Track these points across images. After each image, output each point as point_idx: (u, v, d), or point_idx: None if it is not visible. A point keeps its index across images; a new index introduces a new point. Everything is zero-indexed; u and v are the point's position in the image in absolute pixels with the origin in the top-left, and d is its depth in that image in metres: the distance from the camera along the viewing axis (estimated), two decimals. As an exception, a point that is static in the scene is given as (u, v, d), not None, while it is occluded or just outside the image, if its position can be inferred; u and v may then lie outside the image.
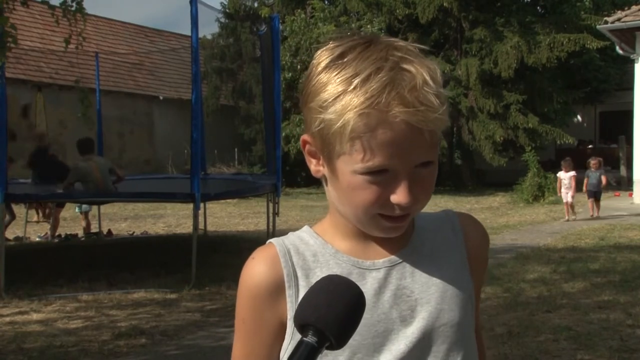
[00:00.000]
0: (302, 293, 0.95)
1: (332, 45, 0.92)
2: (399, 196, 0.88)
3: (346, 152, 0.88)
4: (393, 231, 0.94)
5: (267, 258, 0.98)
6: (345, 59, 0.88)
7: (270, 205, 8.82)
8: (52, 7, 6.92)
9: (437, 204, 15.93)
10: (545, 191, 16.29)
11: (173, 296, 6.20)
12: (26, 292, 6.32)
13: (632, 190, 16.24)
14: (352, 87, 0.86)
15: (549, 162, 20.22)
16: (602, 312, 5.20)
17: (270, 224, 8.75)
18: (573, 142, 20.81)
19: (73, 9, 6.93)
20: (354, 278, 0.94)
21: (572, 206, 12.32)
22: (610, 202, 15.85)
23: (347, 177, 0.90)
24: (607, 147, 23.34)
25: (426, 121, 0.85)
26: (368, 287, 0.95)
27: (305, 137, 0.95)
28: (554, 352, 4.25)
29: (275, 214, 8.61)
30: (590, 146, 24.71)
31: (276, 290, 0.96)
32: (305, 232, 1.02)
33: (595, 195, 12.57)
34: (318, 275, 0.96)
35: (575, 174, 12.42)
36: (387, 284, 0.96)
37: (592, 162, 12.72)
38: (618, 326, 4.80)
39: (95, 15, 22.39)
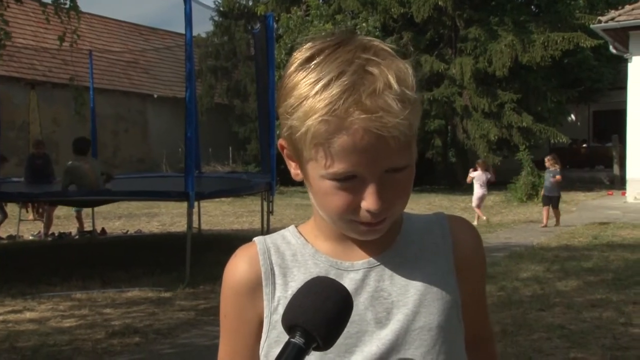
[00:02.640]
0: (278, 291, 0.96)
1: (305, 47, 0.90)
2: (368, 202, 0.86)
3: (312, 157, 0.87)
4: (370, 234, 0.92)
5: (247, 256, 0.99)
6: (312, 63, 0.86)
7: (265, 203, 8.81)
8: (44, 5, 6.88)
9: (432, 202, 15.96)
10: (539, 190, 16.31)
11: (167, 295, 6.19)
12: (19, 291, 6.30)
13: (625, 189, 16.32)
14: (313, 92, 0.84)
15: (542, 161, 20.22)
16: (595, 311, 5.22)
17: (265, 222, 8.75)
18: (567, 141, 20.87)
19: (67, 6, 6.91)
20: None
21: (479, 212, 11.58)
22: (604, 201, 15.92)
23: (317, 182, 0.89)
24: (601, 146, 23.43)
25: (385, 127, 0.82)
26: None
27: (281, 141, 0.94)
28: (547, 350, 4.26)
29: (270, 212, 8.60)
30: (584, 145, 24.80)
31: (254, 287, 0.97)
32: (289, 232, 1.02)
33: (552, 201, 11.07)
34: (295, 274, 0.96)
35: (487, 175, 11.74)
36: (365, 285, 0.95)
37: (546, 158, 11.46)
38: (611, 324, 4.82)
39: (90, 13, 22.31)
